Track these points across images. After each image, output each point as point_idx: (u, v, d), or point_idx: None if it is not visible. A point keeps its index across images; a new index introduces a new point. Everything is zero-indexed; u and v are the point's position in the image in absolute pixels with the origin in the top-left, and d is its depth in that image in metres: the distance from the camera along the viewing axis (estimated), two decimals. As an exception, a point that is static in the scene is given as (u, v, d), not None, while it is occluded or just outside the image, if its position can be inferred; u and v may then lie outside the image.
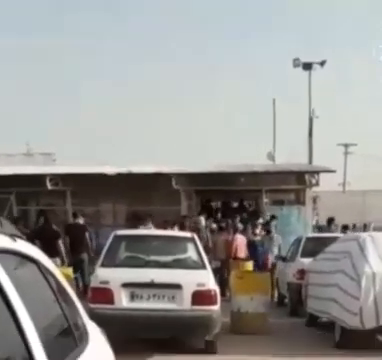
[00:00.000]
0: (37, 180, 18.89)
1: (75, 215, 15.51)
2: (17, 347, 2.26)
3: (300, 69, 29.84)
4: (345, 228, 18.09)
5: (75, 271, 13.69)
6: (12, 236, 2.70)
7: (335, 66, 57.68)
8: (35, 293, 2.86)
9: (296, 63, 29.78)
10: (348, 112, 60.27)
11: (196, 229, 15.10)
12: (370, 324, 8.90)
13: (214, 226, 16.60)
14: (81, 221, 15.24)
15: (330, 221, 17.21)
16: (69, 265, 13.30)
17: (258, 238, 16.23)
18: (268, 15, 58.12)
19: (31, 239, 13.74)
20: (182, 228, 15.09)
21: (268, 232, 15.80)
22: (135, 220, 15.42)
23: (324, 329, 10.53)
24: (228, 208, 20.67)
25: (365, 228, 16.51)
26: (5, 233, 2.64)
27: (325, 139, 58.12)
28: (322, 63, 29.73)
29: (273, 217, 16.78)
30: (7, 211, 18.44)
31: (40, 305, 2.85)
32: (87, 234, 14.66)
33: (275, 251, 15.49)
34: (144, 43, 58.38)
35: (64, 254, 13.52)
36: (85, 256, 14.32)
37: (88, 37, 57.48)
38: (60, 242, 13.55)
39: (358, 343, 8.89)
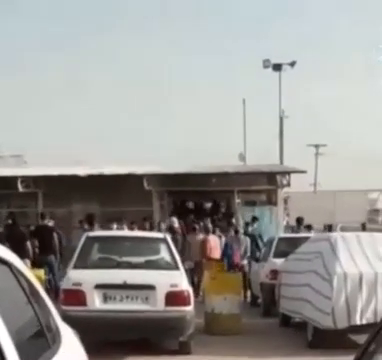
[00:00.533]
0: (8, 182, 18.73)
1: (43, 216, 15.38)
2: None
3: (270, 70, 30.01)
4: (309, 228, 18.30)
5: (44, 273, 13.61)
6: None
7: (306, 64, 57.99)
8: (7, 295, 2.85)
9: (266, 64, 29.94)
10: (318, 113, 60.74)
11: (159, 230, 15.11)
12: (342, 324, 8.97)
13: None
14: (50, 223, 15.14)
15: (299, 221, 17.34)
16: (38, 267, 13.21)
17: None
18: (241, 15, 58.35)
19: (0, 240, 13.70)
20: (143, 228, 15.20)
21: (236, 232, 15.76)
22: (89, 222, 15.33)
23: (297, 329, 10.60)
24: (201, 209, 20.69)
25: (329, 229, 16.54)
26: None
27: (295, 140, 58.67)
28: (292, 64, 29.93)
29: (255, 219, 16.63)
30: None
31: (12, 307, 2.83)
32: (55, 235, 14.55)
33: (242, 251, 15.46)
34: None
35: (31, 255, 13.46)
36: (53, 258, 14.23)
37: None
38: (28, 243, 13.50)
39: (331, 343, 8.97)
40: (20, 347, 2.43)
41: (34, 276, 3.51)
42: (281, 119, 29.89)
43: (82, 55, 57.25)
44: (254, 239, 15.32)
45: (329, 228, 16.86)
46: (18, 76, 55.07)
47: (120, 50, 57.21)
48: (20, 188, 19.04)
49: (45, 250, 14.14)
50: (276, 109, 30.13)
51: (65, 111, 56.55)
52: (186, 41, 59.39)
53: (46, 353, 2.96)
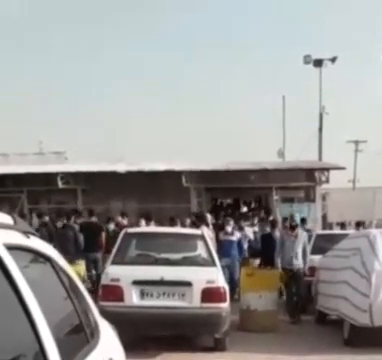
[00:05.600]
0: (48, 179, 19.01)
1: (91, 213, 15.44)
2: (30, 343, 2.27)
3: (311, 66, 29.76)
4: (342, 225, 18.12)
5: (89, 269, 13.74)
6: (25, 233, 2.71)
7: (346, 63, 57.34)
8: (48, 290, 2.86)
9: (307, 60, 29.69)
10: (358, 109, 59.95)
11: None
12: (380, 322, 8.85)
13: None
14: (94, 219, 15.23)
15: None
16: (86, 263, 13.38)
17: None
18: (280, 11, 57.88)
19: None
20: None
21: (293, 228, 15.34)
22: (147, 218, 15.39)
23: (333, 326, 10.54)
24: (238, 206, 20.73)
25: (358, 226, 16.29)
26: (19, 230, 2.65)
27: (335, 136, 58.01)
28: (333, 60, 29.61)
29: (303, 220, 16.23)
30: (19, 209, 18.57)
31: (52, 302, 2.86)
32: (103, 233, 14.62)
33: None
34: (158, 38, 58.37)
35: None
36: (99, 255, 14.16)
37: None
38: (103, 235, 14.26)
39: (367, 341, 8.89)
40: (59, 342, 2.45)
41: (74, 272, 3.54)
42: (321, 115, 29.63)
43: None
44: None
45: (358, 225, 16.58)
46: (57, 61, 55.72)
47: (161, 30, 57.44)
48: (60, 184, 19.29)
49: (92, 247, 14.23)
50: (316, 105, 29.91)
51: (103, 93, 57.08)
52: (224, 36, 59.29)
53: (85, 348, 2.96)
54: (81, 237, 13.98)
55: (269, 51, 58.63)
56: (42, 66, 54.56)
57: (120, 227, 14.36)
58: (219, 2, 58.21)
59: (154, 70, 56.17)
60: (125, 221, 15.64)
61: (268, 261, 12.62)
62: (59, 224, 14.58)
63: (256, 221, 16.42)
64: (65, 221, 14.58)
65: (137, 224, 14.50)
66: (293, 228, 12.22)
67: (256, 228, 16.10)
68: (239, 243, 14.39)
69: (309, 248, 12.42)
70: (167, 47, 59.28)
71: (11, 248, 2.38)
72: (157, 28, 57.98)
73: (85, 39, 57.74)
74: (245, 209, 18.60)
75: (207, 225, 14.58)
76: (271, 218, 16.43)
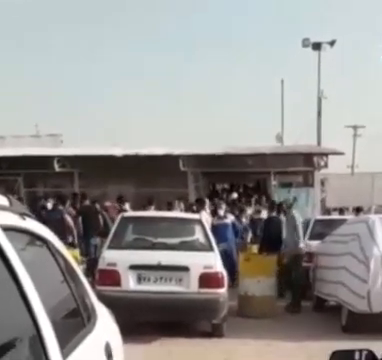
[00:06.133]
0: (45, 162, 18.88)
1: (84, 197, 15.32)
2: (26, 327, 2.23)
3: (309, 49, 29.56)
4: (341, 211, 18.01)
5: (88, 254, 13.60)
6: (21, 214, 2.65)
7: (345, 46, 57.03)
8: (44, 272, 2.83)
9: (305, 43, 29.51)
10: (357, 93, 59.79)
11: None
12: (378, 308, 8.82)
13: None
14: (88, 203, 15.09)
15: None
16: (84, 248, 13.27)
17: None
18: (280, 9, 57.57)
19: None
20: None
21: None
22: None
23: (331, 313, 10.48)
24: (238, 191, 20.59)
25: (358, 211, 16.18)
26: (14, 211, 2.59)
27: (334, 121, 57.89)
28: (332, 43, 29.43)
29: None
30: (16, 193, 18.43)
31: (49, 284, 2.82)
32: (100, 217, 14.48)
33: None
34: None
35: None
36: (98, 240, 13.94)
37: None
38: (100, 218, 14.04)
39: (365, 327, 8.82)
40: (56, 325, 2.41)
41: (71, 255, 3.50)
42: (319, 100, 29.48)
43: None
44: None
45: (357, 211, 16.46)
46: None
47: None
48: (56, 168, 19.17)
49: (91, 231, 14.07)
50: (315, 90, 29.73)
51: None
52: (223, 20, 58.97)
53: (81, 331, 2.94)
54: (69, 221, 13.75)
55: (268, 37, 58.34)
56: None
57: (106, 210, 14.31)
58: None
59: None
60: (109, 204, 15.40)
61: (271, 246, 12.39)
62: (49, 206, 14.36)
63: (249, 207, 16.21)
64: (53, 205, 14.37)
65: (144, 209, 14.31)
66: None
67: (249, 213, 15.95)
68: (234, 227, 14.25)
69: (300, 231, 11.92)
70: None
71: (6, 229, 2.33)
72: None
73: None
74: (235, 195, 18.26)
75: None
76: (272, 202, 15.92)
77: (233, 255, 13.38)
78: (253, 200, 18.37)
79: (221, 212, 14.11)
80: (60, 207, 14.27)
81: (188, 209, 15.05)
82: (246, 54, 57.85)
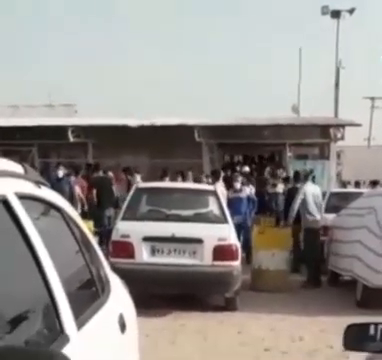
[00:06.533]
0: (59, 132, 18.79)
1: (97, 167, 15.23)
2: (41, 296, 2.22)
3: (328, 17, 29.04)
4: (357, 184, 17.72)
5: (100, 225, 13.55)
6: (37, 183, 2.62)
7: (364, 15, 55.98)
8: (59, 242, 2.82)
9: (324, 11, 29.02)
10: (376, 64, 58.90)
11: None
12: (393, 283, 8.73)
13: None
14: (108, 174, 15.01)
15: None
16: (96, 219, 13.23)
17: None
18: None
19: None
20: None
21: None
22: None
23: (346, 287, 10.39)
24: (253, 161, 20.41)
25: (375, 185, 15.89)
26: (29, 179, 2.54)
27: (351, 92, 57.18)
28: (351, 11, 28.92)
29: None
30: (29, 163, 18.40)
31: (64, 254, 2.82)
32: (114, 188, 14.37)
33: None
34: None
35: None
36: (112, 210, 13.89)
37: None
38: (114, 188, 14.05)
39: (380, 302, 8.72)
40: (70, 295, 2.40)
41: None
42: (337, 70, 29.00)
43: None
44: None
45: (374, 184, 16.19)
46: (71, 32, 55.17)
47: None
48: (70, 138, 19.09)
49: (106, 202, 14.00)
50: (333, 59, 29.22)
51: (117, 63, 56.62)
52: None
53: (95, 302, 2.93)
54: (79, 192, 13.66)
55: (286, 3, 57.32)
56: (57, 35, 53.74)
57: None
58: None
59: (171, 38, 55.43)
60: (111, 174, 15.26)
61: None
62: (60, 174, 14.23)
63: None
64: (64, 174, 14.26)
65: (160, 180, 14.19)
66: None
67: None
68: (249, 200, 14.03)
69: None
70: (186, 15, 57.90)
71: (22, 197, 2.29)
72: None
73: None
74: (247, 169, 17.78)
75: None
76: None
77: (248, 230, 13.13)
78: (266, 172, 18.07)
79: (237, 185, 13.86)
80: (72, 178, 14.21)
81: (196, 180, 14.88)
82: (263, 22, 57.13)
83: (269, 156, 21.90)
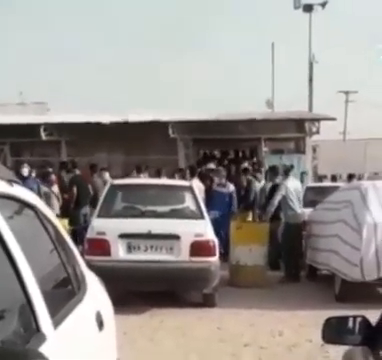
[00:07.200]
0: (31, 130, 18.54)
1: (74, 165, 15.03)
2: (16, 295, 2.19)
3: (301, 11, 29.08)
4: (334, 178, 17.77)
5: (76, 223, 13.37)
6: (9, 181, 2.57)
7: (337, 8, 56.14)
8: (33, 240, 2.81)
9: (297, 4, 29.06)
10: (349, 57, 59.33)
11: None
12: (371, 276, 8.72)
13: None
14: (78, 172, 14.82)
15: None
16: (74, 219, 13.06)
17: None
18: None
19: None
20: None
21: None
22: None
23: (324, 282, 10.37)
24: (227, 158, 20.33)
25: (351, 178, 15.92)
26: (1, 177, 2.50)
27: (325, 86, 57.52)
28: (323, 4, 28.98)
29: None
30: (1, 162, 18.12)
31: (38, 252, 2.80)
32: (90, 186, 14.20)
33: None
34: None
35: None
36: (88, 209, 13.67)
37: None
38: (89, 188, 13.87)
39: (358, 296, 8.73)
40: (46, 294, 2.37)
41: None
42: (311, 64, 29.03)
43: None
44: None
45: (350, 178, 16.22)
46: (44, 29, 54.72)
47: None
48: (43, 136, 18.85)
49: (82, 201, 13.85)
50: (306, 53, 29.24)
51: (90, 60, 56.28)
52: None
53: (72, 300, 2.91)
54: (45, 189, 13.37)
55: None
56: (27, 32, 53.36)
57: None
58: None
59: (134, 18, 55.13)
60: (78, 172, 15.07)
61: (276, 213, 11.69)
62: (24, 172, 13.94)
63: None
64: (27, 172, 13.98)
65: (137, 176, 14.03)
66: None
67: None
68: (231, 196, 13.80)
69: (277, 198, 11.40)
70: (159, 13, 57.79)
71: None
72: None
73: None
74: (212, 165, 17.54)
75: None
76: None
77: (224, 225, 12.84)
78: (241, 168, 17.89)
79: (222, 180, 13.72)
80: (52, 176, 13.95)
81: (171, 176, 14.75)
82: (236, 16, 57.15)
83: (244, 151, 21.87)
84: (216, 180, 13.86)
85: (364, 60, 60.88)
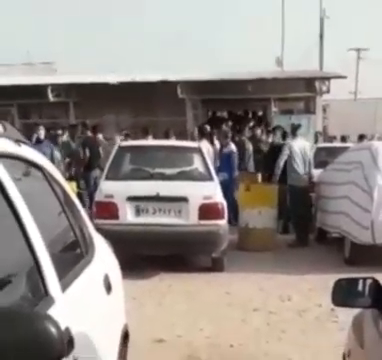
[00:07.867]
0: (39, 91, 18.36)
1: (85, 126, 14.83)
2: (24, 258, 2.18)
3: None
4: (344, 139, 17.48)
5: (87, 186, 13.28)
6: (17, 141, 2.52)
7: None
8: (41, 201, 2.76)
9: None
10: (361, 13, 58.10)
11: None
12: (381, 239, 8.61)
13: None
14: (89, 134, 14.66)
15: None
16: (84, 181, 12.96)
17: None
18: None
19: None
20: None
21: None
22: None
23: (334, 244, 10.29)
24: (237, 118, 20.06)
25: (362, 139, 15.59)
26: (9, 137, 2.45)
27: (336, 44, 56.53)
28: None
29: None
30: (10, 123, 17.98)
31: (47, 215, 2.76)
32: (100, 148, 14.05)
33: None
34: None
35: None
36: (98, 172, 13.58)
37: None
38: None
39: (369, 259, 8.61)
40: (54, 256, 2.34)
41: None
42: (321, 20, 28.41)
43: None
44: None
45: (361, 138, 15.93)
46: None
47: None
48: (51, 97, 18.68)
49: (93, 163, 13.66)
50: (317, 8, 28.53)
51: (97, 19, 55.52)
52: None
53: (80, 263, 2.89)
54: (57, 155, 13.22)
55: None
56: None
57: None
58: None
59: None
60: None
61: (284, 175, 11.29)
62: (41, 135, 13.73)
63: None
64: (41, 136, 13.79)
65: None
66: None
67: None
68: (229, 156, 13.17)
69: (282, 159, 11.17)
70: None
71: (2, 156, 2.24)
72: None
73: None
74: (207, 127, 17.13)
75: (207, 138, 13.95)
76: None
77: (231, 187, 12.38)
78: (247, 129, 17.58)
79: (228, 140, 13.46)
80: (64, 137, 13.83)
81: (179, 137, 14.52)
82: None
83: (253, 112, 21.58)
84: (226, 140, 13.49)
85: (376, 16, 59.60)
